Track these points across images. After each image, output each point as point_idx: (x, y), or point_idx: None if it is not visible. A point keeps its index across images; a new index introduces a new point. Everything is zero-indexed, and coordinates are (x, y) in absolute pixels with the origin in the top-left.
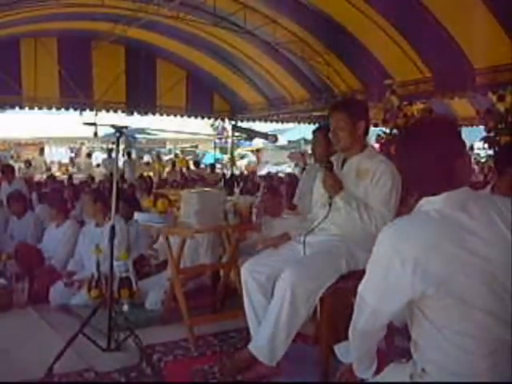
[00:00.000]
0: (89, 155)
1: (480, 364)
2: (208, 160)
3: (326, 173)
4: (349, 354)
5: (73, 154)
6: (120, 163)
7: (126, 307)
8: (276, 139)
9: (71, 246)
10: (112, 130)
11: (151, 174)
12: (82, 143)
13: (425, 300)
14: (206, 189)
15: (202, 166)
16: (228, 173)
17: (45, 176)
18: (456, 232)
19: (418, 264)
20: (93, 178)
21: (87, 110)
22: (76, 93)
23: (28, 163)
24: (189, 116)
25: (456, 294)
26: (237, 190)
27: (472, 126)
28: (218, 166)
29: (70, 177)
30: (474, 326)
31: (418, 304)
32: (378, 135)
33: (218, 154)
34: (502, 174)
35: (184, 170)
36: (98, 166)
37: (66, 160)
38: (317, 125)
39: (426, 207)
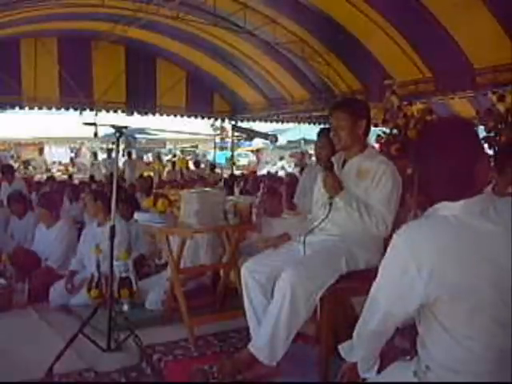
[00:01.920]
0: (95, 155)
1: (484, 365)
2: (220, 159)
3: (327, 173)
4: (353, 352)
5: (73, 154)
6: (120, 163)
7: (125, 307)
8: (276, 139)
9: (67, 247)
10: (112, 130)
11: (151, 173)
12: (82, 143)
13: (436, 304)
14: (206, 189)
15: (202, 165)
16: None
17: (45, 176)
18: (473, 240)
19: (434, 271)
20: (93, 178)
21: (87, 110)
22: (76, 93)
23: (26, 164)
24: (189, 116)
25: (469, 301)
26: (237, 190)
27: None
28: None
29: (70, 177)
30: (481, 332)
31: (429, 306)
32: (378, 135)
33: (227, 153)
34: (502, 173)
35: (184, 170)
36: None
37: (66, 160)
38: (317, 125)
39: (443, 212)
